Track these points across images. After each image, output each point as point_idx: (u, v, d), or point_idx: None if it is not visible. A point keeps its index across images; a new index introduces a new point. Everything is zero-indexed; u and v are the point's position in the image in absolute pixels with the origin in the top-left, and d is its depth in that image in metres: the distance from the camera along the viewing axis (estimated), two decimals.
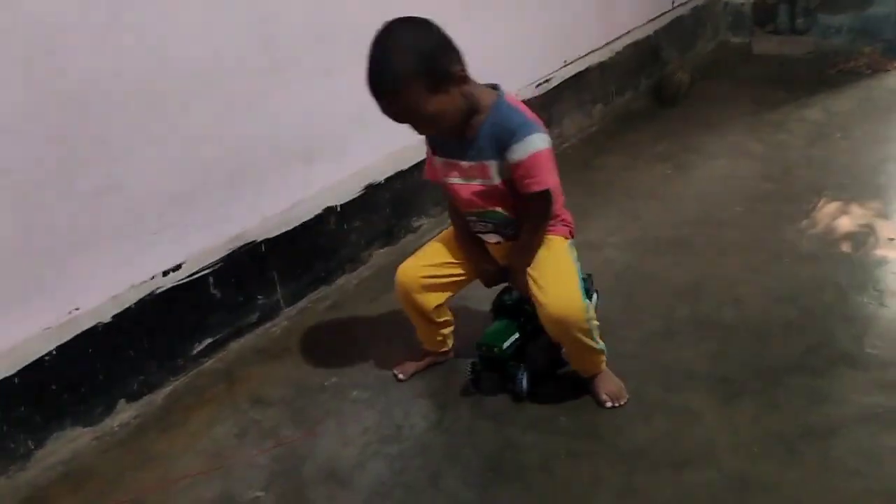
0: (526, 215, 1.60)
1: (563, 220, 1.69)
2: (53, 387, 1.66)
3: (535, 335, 1.71)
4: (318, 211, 2.19)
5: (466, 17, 2.31)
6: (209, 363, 1.97)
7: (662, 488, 1.44)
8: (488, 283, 1.74)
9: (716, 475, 1.46)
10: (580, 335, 1.57)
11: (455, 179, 1.61)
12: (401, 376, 1.82)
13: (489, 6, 2.70)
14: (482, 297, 1.83)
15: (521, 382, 1.68)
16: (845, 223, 2.29)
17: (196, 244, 1.91)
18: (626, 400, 1.66)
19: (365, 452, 1.62)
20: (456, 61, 1.45)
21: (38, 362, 1.63)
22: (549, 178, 1.54)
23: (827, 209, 2.39)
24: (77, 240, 1.67)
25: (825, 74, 3.61)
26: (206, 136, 1.88)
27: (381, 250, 2.41)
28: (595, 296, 1.89)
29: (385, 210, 2.39)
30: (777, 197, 2.52)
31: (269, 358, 1.98)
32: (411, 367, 1.83)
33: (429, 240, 1.82)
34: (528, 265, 1.59)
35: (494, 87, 1.56)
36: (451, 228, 1.76)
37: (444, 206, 2.05)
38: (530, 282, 1.57)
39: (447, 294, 1.74)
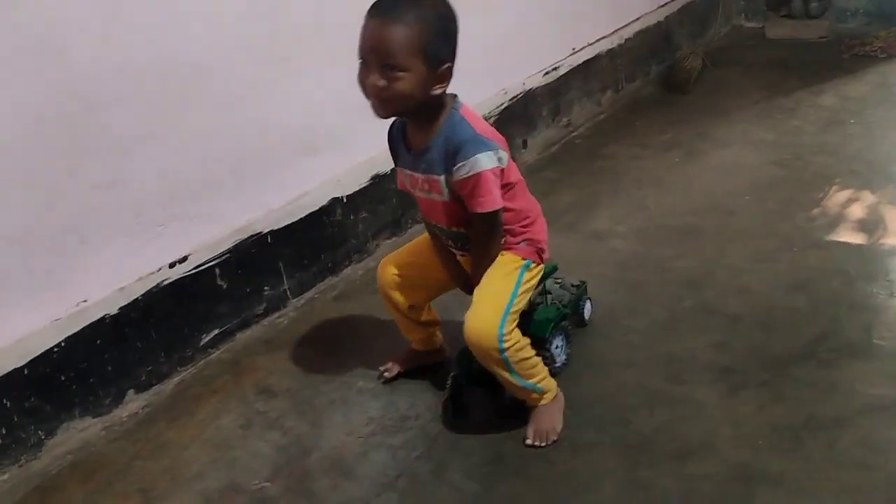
0: (474, 234, 1.55)
1: (528, 240, 1.59)
2: (62, 378, 1.68)
3: None
4: (325, 202, 2.20)
5: (473, 3, 2.29)
6: (216, 354, 1.98)
7: (665, 480, 1.44)
8: (466, 291, 1.63)
9: (720, 467, 1.45)
10: (493, 365, 1.49)
11: (415, 191, 1.58)
12: (386, 374, 1.79)
13: None
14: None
15: (506, 396, 1.61)
16: (857, 211, 2.27)
17: (202, 236, 1.92)
18: (552, 441, 1.55)
19: (369, 443, 1.63)
20: (452, 55, 1.43)
21: (47, 354, 1.65)
22: (492, 200, 1.46)
23: (838, 197, 2.36)
24: (84, 232, 1.69)
25: (839, 59, 3.57)
26: (212, 128, 1.89)
27: (389, 241, 2.41)
28: (589, 304, 1.89)
29: (392, 200, 2.39)
30: (788, 184, 2.49)
31: (276, 348, 1.99)
32: (397, 366, 1.80)
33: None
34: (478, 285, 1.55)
35: (453, 97, 1.49)
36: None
37: None
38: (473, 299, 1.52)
39: (424, 295, 1.71)
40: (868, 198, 2.33)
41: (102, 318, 1.73)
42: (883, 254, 2.05)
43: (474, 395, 1.67)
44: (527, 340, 1.53)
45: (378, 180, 2.32)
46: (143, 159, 1.76)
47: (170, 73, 1.77)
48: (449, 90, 1.46)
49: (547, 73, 3.01)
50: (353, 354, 1.92)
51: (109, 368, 1.77)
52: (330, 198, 2.21)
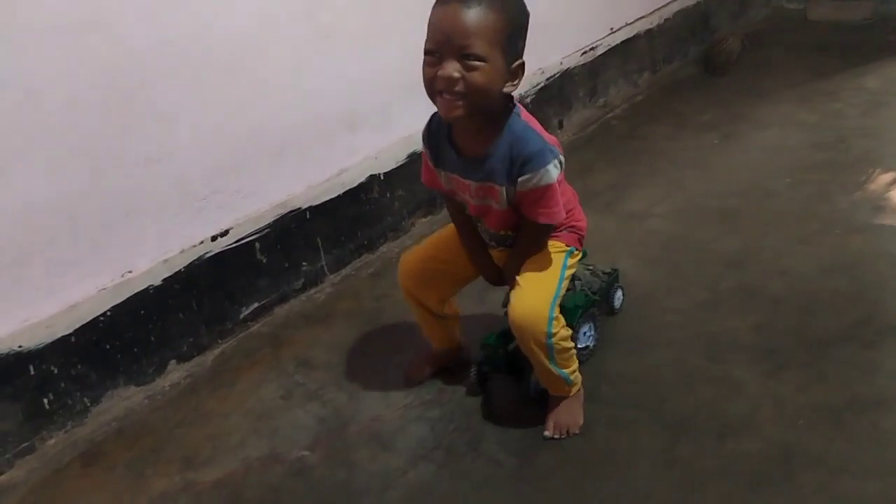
0: (524, 235, 1.51)
1: (571, 227, 1.57)
2: (108, 346, 1.72)
3: None
4: (362, 179, 2.21)
5: None
6: (256, 327, 2.01)
7: (704, 458, 1.44)
8: (492, 283, 1.64)
9: (760, 445, 1.44)
10: (536, 348, 1.44)
11: (463, 195, 1.51)
12: (408, 383, 1.73)
13: None
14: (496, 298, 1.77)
15: (532, 385, 1.60)
16: None
17: (243, 210, 1.94)
18: (573, 435, 1.52)
19: (407, 416, 1.64)
20: (523, 52, 1.35)
21: (94, 322, 1.69)
22: (557, 213, 1.44)
23: (882, 180, 2.32)
24: (130, 205, 1.72)
25: (884, 41, 3.48)
26: (253, 104, 1.91)
27: (424, 219, 2.42)
28: (620, 292, 1.86)
29: None
30: (829, 167, 2.45)
31: (314, 323, 2.02)
32: (420, 372, 1.74)
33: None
34: (518, 273, 1.51)
35: (510, 100, 1.41)
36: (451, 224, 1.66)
37: None
38: (515, 284, 1.49)
39: (451, 289, 1.67)
40: None
41: (147, 289, 1.77)
42: None
43: (498, 384, 1.66)
44: (569, 331, 1.50)
45: (415, 159, 2.33)
46: (187, 134, 1.78)
47: (214, 49, 1.79)
48: None
49: (585, 52, 2.99)
50: (389, 330, 1.94)
51: (152, 338, 1.80)
52: (368, 175, 2.22)
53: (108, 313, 1.70)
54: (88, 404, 1.71)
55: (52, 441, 1.66)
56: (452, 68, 1.27)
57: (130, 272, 1.74)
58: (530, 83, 2.73)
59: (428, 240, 1.69)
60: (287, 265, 2.07)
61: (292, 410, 1.70)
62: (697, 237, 2.16)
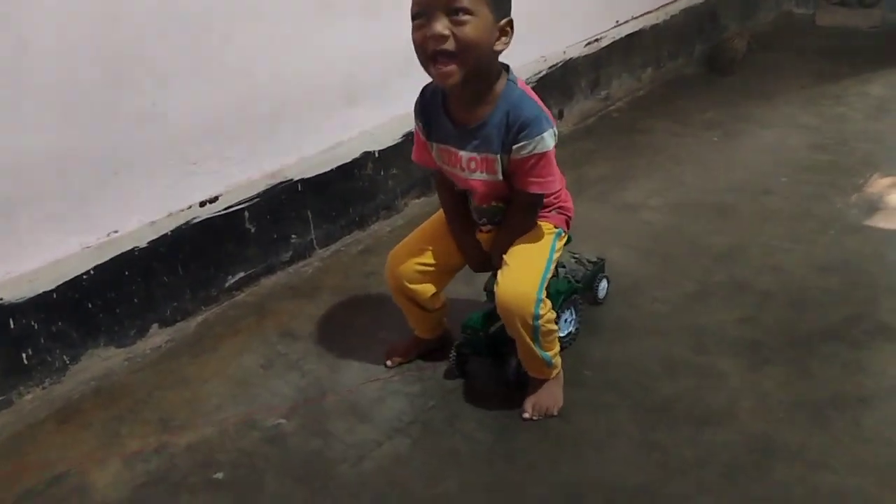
0: (514, 209, 1.48)
1: (559, 208, 1.56)
2: (90, 305, 1.70)
3: None
4: (357, 155, 2.19)
5: None
6: (241, 296, 2.00)
7: (681, 444, 1.42)
8: (476, 269, 1.61)
9: (738, 436, 1.43)
10: (522, 330, 1.42)
11: (454, 169, 1.47)
12: (389, 363, 1.69)
13: None
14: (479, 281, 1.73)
15: (512, 368, 1.57)
16: None
17: (234, 177, 1.93)
18: (550, 416, 1.51)
19: (386, 389, 1.63)
20: (510, 9, 1.35)
21: (77, 280, 1.67)
22: (552, 182, 1.42)
23: (880, 183, 2.31)
24: (118, 163, 1.70)
25: (891, 48, 3.47)
26: (250, 70, 1.89)
27: (417, 200, 2.41)
28: (605, 282, 1.83)
29: None
30: (828, 169, 2.44)
31: (300, 295, 2.00)
32: (402, 353, 1.70)
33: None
34: (505, 253, 1.48)
35: (505, 67, 1.40)
36: (438, 213, 1.63)
37: None
38: (503, 263, 1.46)
39: (443, 282, 1.61)
40: None
41: (132, 251, 1.75)
42: None
43: (477, 367, 1.64)
44: (554, 314, 1.48)
45: (411, 138, 2.30)
46: (180, 95, 1.76)
47: (214, 11, 1.77)
48: None
49: (589, 43, 2.97)
50: (375, 307, 1.92)
51: (136, 301, 1.78)
52: (363, 151, 2.20)
53: (92, 272, 1.69)
54: (67, 362, 1.69)
55: (28, 396, 1.65)
56: (441, 25, 1.26)
57: (116, 232, 1.72)
58: (532, 70, 2.71)
59: (415, 234, 1.62)
60: (276, 236, 2.06)
61: (272, 379, 1.69)
62: (691, 230, 2.15)
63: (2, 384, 1.61)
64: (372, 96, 2.19)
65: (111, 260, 1.71)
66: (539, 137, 1.36)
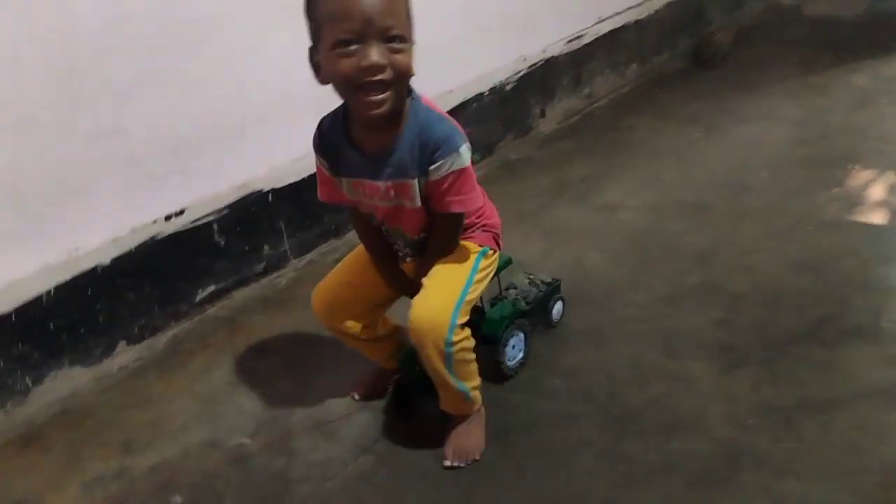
0: (436, 232, 1.40)
1: (483, 226, 1.47)
2: (52, 325, 1.69)
3: None
4: None
5: None
6: (213, 310, 1.98)
7: (649, 454, 1.40)
8: (413, 297, 1.40)
9: (706, 444, 1.40)
10: (434, 356, 1.32)
11: (372, 201, 1.37)
12: (356, 396, 1.62)
13: None
14: None
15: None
16: (878, 192, 2.17)
17: (201, 190, 1.91)
18: (473, 461, 1.42)
19: (353, 405, 1.61)
20: None
21: (37, 300, 1.65)
22: (474, 199, 1.34)
23: (861, 177, 2.27)
24: (79, 180, 1.68)
25: (878, 38, 3.42)
26: (214, 82, 1.87)
27: None
28: (560, 304, 1.76)
29: None
30: (809, 163, 2.40)
31: (273, 308, 1.98)
32: (370, 386, 1.63)
33: None
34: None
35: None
36: (360, 246, 1.53)
37: None
38: (421, 285, 1.37)
39: (373, 314, 1.52)
40: (892, 179, 2.23)
41: (94, 269, 1.73)
42: None
43: (418, 400, 1.55)
44: (473, 342, 1.39)
45: None
46: (141, 110, 1.74)
47: (172, 25, 1.75)
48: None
49: (570, 41, 2.94)
50: None
51: (101, 319, 1.77)
52: None
53: (52, 292, 1.67)
54: (30, 384, 1.68)
55: None
56: (378, 54, 1.17)
57: (77, 250, 1.70)
58: (511, 70, 2.68)
59: (339, 265, 1.54)
60: (247, 248, 2.04)
61: (238, 397, 1.67)
62: (667, 231, 2.12)
63: None
64: (340, 102, 2.16)
65: (72, 279, 1.70)
66: (455, 154, 1.27)
